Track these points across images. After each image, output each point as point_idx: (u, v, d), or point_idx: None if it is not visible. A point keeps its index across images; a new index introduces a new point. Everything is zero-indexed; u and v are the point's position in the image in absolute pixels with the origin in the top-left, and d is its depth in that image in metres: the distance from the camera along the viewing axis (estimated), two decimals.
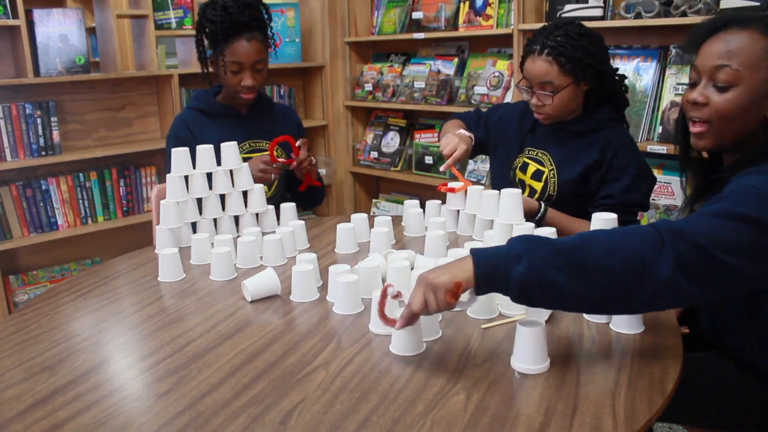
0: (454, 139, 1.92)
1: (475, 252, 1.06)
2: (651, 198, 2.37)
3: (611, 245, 1.04)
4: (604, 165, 1.80)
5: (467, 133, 1.98)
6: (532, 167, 1.92)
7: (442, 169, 1.91)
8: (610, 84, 1.85)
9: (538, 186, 1.91)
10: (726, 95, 1.21)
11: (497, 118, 2.06)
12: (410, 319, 1.11)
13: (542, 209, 1.79)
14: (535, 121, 1.93)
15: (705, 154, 1.42)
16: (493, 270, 1.04)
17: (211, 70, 2.08)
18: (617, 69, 1.89)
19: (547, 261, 1.02)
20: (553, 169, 1.88)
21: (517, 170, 1.95)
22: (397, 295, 1.18)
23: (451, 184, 1.82)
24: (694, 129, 1.28)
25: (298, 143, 1.99)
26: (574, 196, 1.83)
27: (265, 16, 2.04)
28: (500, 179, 2.02)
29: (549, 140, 1.91)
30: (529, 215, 1.75)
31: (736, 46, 1.19)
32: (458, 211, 1.85)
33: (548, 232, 1.43)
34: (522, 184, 1.94)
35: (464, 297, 1.07)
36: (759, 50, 1.18)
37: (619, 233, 1.07)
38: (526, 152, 1.95)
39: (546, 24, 1.83)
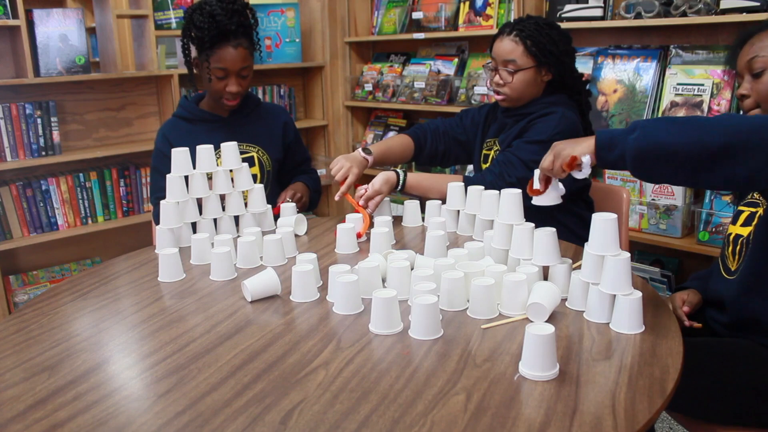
0: (345, 163, 1.93)
1: (598, 130, 1.26)
2: (651, 198, 2.38)
3: (725, 115, 1.20)
4: (526, 129, 1.87)
5: (362, 154, 1.99)
6: (490, 156, 2.02)
7: (336, 198, 1.92)
8: (570, 79, 1.91)
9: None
10: (762, 78, 1.39)
11: (469, 121, 2.13)
12: (546, 179, 1.38)
13: (401, 178, 1.90)
14: (495, 113, 2.03)
15: None
16: (611, 140, 1.21)
17: (195, 71, 2.08)
18: (582, 75, 1.97)
19: (659, 127, 1.15)
20: (497, 150, 1.97)
21: (482, 163, 2.05)
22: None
23: (348, 221, 1.80)
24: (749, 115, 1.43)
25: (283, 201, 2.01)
26: None
27: (251, 21, 2.02)
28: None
29: (502, 128, 2.00)
30: (391, 187, 1.89)
31: (760, 43, 1.41)
32: (458, 211, 1.85)
33: (549, 232, 1.43)
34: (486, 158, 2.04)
35: (586, 163, 1.27)
36: None
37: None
38: (485, 145, 2.05)
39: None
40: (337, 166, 1.93)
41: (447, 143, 2.12)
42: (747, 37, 1.44)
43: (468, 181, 1.85)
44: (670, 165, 1.14)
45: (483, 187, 1.76)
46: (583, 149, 1.26)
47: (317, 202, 2.24)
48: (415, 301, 1.22)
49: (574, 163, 1.28)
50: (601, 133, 1.25)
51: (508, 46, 1.85)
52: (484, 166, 2.04)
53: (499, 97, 1.93)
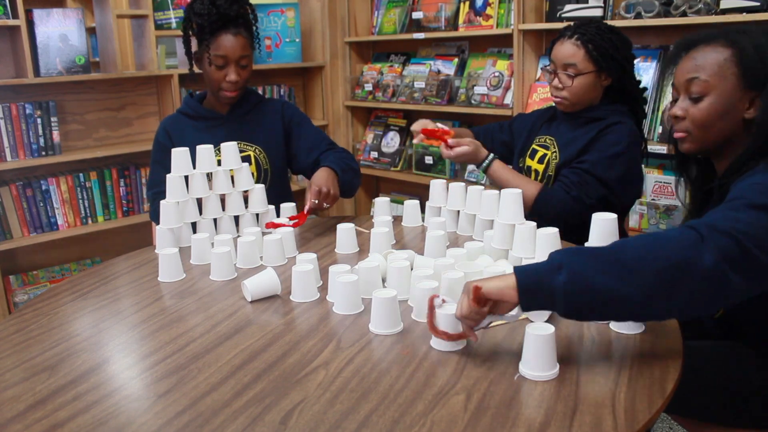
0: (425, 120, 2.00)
1: (517, 268, 1.07)
2: (651, 198, 2.38)
3: (650, 245, 1.04)
4: (597, 139, 1.86)
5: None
6: (540, 152, 2.00)
7: (415, 141, 1.98)
8: (630, 85, 1.91)
9: (540, 168, 1.98)
10: (700, 105, 1.32)
11: (519, 123, 2.17)
12: (459, 324, 1.13)
13: (488, 158, 1.88)
14: (552, 114, 2.04)
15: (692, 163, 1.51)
16: (536, 282, 1.04)
17: (196, 70, 2.08)
18: (640, 81, 1.96)
19: (587, 267, 1.03)
20: (555, 152, 1.95)
21: (527, 157, 2.04)
22: (443, 303, 1.17)
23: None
24: (676, 135, 1.40)
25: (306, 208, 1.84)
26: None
27: (251, 16, 2.04)
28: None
29: (559, 126, 1.99)
30: (475, 163, 1.88)
31: (702, 60, 1.32)
32: (458, 211, 1.85)
33: (551, 231, 1.43)
34: (528, 170, 2.02)
35: (513, 311, 1.08)
36: (723, 60, 1.29)
37: (655, 235, 1.08)
38: (536, 140, 2.04)
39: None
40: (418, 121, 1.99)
41: (494, 142, 2.19)
42: (689, 45, 1.36)
43: (542, 197, 1.81)
44: (605, 309, 1.05)
45: (554, 206, 1.79)
46: (497, 285, 1.06)
47: (356, 184, 2.05)
48: (416, 285, 1.26)
49: (478, 293, 1.06)
50: (520, 271, 1.06)
51: (569, 50, 1.84)
52: (529, 161, 2.02)
53: (557, 101, 1.93)
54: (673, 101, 1.40)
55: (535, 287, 1.04)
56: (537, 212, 1.79)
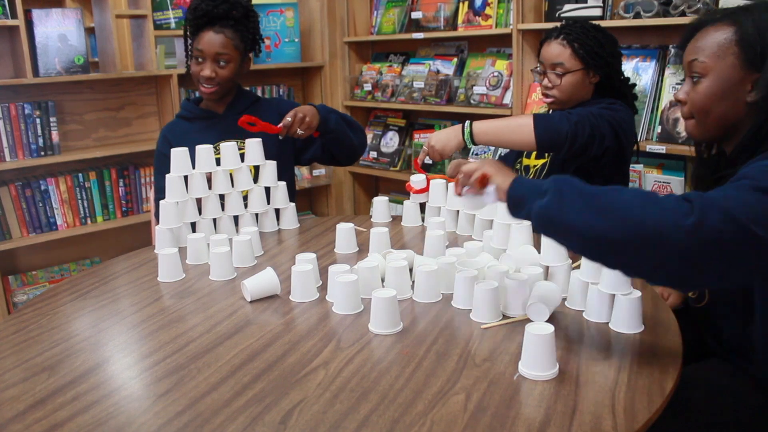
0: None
1: (516, 179, 1.18)
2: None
3: (641, 204, 1.02)
4: None
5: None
6: (531, 167, 2.02)
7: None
8: (618, 83, 1.93)
9: (538, 162, 2.00)
10: (698, 87, 1.26)
11: None
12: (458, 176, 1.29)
13: (466, 125, 1.76)
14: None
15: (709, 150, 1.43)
16: (521, 197, 1.14)
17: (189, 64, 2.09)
18: (629, 78, 1.98)
19: (568, 200, 1.06)
20: (546, 164, 1.97)
21: (523, 156, 2.06)
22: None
23: (414, 182, 1.88)
24: (683, 121, 1.35)
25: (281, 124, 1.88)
26: (565, 160, 1.86)
27: (246, 18, 2.02)
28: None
29: None
30: (460, 142, 1.78)
31: (703, 41, 1.25)
32: (458, 211, 1.85)
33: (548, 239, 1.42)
34: (527, 169, 2.04)
35: (490, 193, 1.21)
36: (723, 40, 1.22)
37: (651, 196, 1.05)
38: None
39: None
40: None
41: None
42: (697, 27, 1.28)
43: (540, 117, 1.73)
44: (569, 241, 1.10)
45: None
46: (499, 183, 1.19)
47: (352, 139, 2.07)
48: (418, 269, 1.29)
49: (485, 181, 1.21)
50: (515, 184, 1.17)
51: (556, 50, 1.88)
52: (526, 161, 2.03)
53: (548, 100, 1.95)
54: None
55: (519, 201, 1.15)
56: (542, 135, 1.71)
